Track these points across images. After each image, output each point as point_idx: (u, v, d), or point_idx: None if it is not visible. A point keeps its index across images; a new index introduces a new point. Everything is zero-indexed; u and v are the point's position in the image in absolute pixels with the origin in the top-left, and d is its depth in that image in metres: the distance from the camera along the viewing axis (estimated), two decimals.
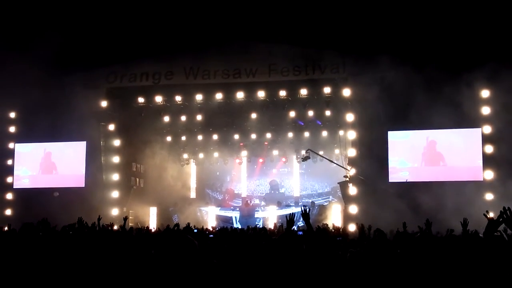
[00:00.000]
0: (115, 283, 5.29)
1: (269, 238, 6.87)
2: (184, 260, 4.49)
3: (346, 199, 20.88)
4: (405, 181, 19.92)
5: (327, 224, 19.85)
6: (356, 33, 19.01)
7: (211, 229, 17.27)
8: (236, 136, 26.22)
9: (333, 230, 13.93)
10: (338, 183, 22.96)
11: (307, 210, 5.36)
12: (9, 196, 22.81)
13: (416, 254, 5.48)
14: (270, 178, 30.57)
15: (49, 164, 23.12)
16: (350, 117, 20.39)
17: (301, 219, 24.22)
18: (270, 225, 21.58)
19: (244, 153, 28.90)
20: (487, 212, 5.15)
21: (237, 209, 27.98)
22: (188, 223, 9.63)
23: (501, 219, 4.85)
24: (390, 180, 20.10)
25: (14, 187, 23.00)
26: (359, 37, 18.97)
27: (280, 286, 4.51)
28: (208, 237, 10.89)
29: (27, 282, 5.43)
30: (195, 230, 12.70)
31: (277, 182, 30.54)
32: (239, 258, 5.89)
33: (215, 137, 26.39)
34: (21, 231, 7.15)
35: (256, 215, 26.71)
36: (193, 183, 31.11)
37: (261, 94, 21.44)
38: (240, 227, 21.62)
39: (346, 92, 20.22)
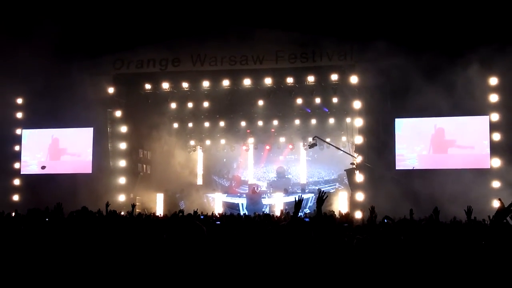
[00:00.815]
0: (124, 270, 5.33)
1: (275, 224, 6.87)
2: (193, 245, 4.52)
3: (353, 186, 20.88)
4: (412, 168, 19.87)
5: (333, 211, 19.86)
6: (364, 20, 18.89)
7: (218, 216, 17.29)
8: (243, 123, 26.22)
9: (339, 217, 13.94)
10: (344, 170, 22.94)
11: (324, 197, 5.18)
12: (17, 181, 22.91)
13: (421, 241, 5.48)
14: (277, 165, 30.56)
15: (57, 150, 23.21)
16: (357, 104, 20.31)
17: (308, 205, 24.04)
18: (277, 212, 21.62)
19: (251, 140, 28.90)
20: (500, 200, 5.15)
21: (244, 195, 28.02)
22: (195, 210, 9.62)
23: (511, 208, 4.86)
24: (397, 168, 20.09)
25: (21, 173, 23.11)
26: (367, 24, 18.85)
27: (286, 272, 4.52)
28: (215, 223, 10.91)
29: (36, 267, 5.47)
30: (202, 217, 12.74)
31: (284, 169, 30.53)
32: (246, 244, 5.91)
33: (222, 124, 26.43)
34: (27, 216, 7.19)
35: (263, 202, 26.77)
36: (200, 170, 31.17)
37: (268, 81, 21.41)
38: (247, 213, 21.67)
39: (354, 79, 20.13)
